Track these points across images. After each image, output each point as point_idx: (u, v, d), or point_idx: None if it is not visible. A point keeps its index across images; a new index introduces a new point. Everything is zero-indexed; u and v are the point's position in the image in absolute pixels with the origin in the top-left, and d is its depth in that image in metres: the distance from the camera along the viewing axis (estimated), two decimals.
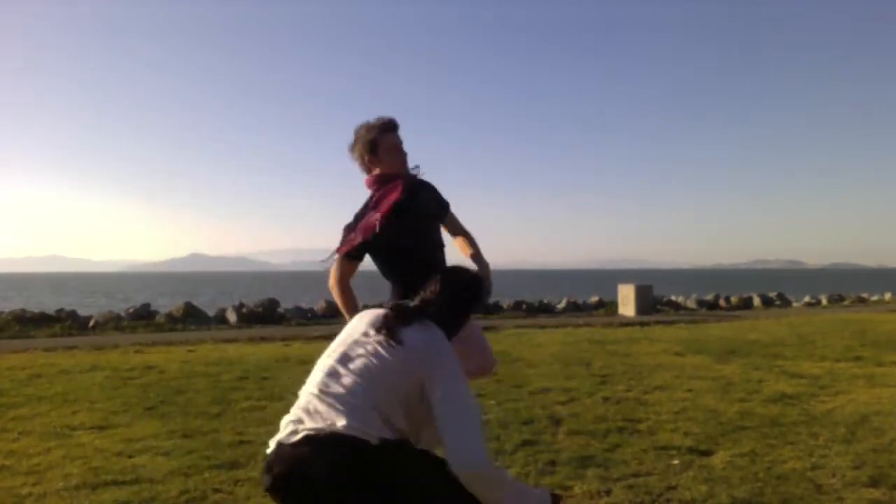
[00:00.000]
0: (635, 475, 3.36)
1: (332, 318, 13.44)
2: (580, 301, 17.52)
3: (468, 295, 2.05)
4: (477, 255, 2.75)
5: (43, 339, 10.16)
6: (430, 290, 2.01)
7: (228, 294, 45.79)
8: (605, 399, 5.26)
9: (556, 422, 4.50)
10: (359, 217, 2.61)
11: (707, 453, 3.74)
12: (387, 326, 1.81)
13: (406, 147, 2.67)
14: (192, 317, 13.18)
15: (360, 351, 1.78)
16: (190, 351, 8.49)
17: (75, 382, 6.14)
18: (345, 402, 1.67)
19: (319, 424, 1.65)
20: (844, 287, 35.27)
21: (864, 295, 22.04)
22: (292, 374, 6.42)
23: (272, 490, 1.65)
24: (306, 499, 1.61)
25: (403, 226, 2.51)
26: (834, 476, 3.32)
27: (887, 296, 21.78)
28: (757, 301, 18.78)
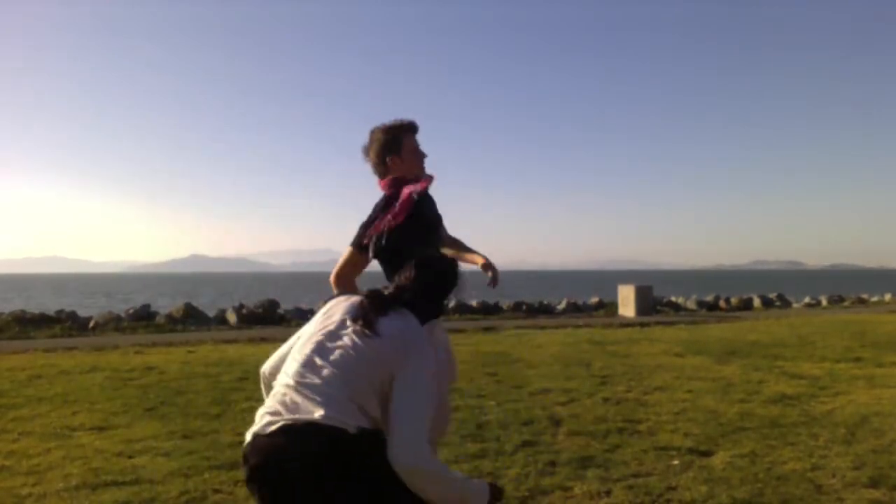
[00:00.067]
0: (635, 476, 3.36)
1: None
2: (580, 302, 17.52)
3: (443, 281, 2.03)
4: (488, 262, 2.80)
5: (43, 340, 10.16)
6: (405, 276, 1.98)
7: (228, 295, 45.81)
8: (605, 400, 5.26)
9: (557, 422, 4.50)
10: (374, 216, 2.56)
11: (707, 454, 3.74)
12: (363, 317, 1.78)
13: None
14: (192, 318, 13.18)
15: (337, 342, 1.76)
16: (190, 352, 8.49)
17: (75, 383, 6.14)
18: (322, 392, 1.66)
19: (296, 415, 1.63)
20: (844, 288, 35.27)
21: (864, 296, 22.04)
22: None
23: (249, 481, 1.64)
24: (283, 489, 1.59)
25: (412, 230, 2.52)
26: (834, 477, 3.32)
27: (887, 297, 21.78)
28: (757, 302, 18.79)
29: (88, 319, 12.60)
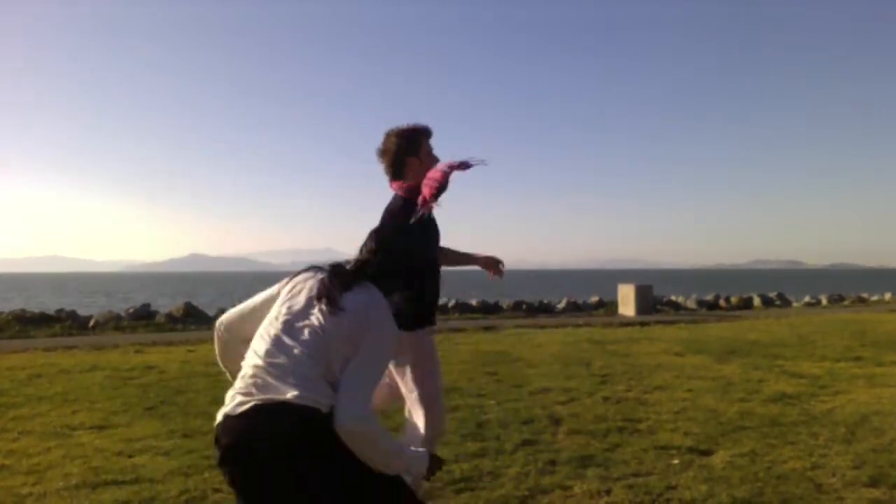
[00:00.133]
0: (635, 475, 3.36)
1: None
2: (580, 301, 17.52)
3: (405, 252, 2.01)
4: (487, 259, 2.88)
5: (43, 339, 10.16)
6: (366, 249, 1.97)
7: (228, 294, 45.79)
8: (605, 399, 5.27)
9: (556, 421, 4.50)
10: (385, 221, 2.57)
11: (707, 453, 3.74)
12: (327, 295, 1.78)
13: None
14: (192, 317, 13.18)
15: (305, 321, 1.75)
16: (190, 351, 8.49)
17: (75, 382, 6.14)
18: (292, 372, 1.66)
19: (267, 395, 1.63)
20: (844, 287, 35.27)
21: (864, 295, 22.04)
22: None
23: (221, 463, 1.64)
24: (253, 469, 1.59)
25: (424, 232, 2.57)
26: (834, 476, 3.32)
27: (887, 296, 21.78)
28: (757, 301, 18.79)
29: (88, 319, 12.60)
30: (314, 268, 1.94)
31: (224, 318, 2.02)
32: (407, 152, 2.61)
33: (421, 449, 1.87)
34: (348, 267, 1.91)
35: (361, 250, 1.98)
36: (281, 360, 1.68)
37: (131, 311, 13.26)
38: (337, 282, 1.82)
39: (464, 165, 2.45)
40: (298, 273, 1.94)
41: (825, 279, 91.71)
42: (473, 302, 15.89)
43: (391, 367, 2.73)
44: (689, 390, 5.58)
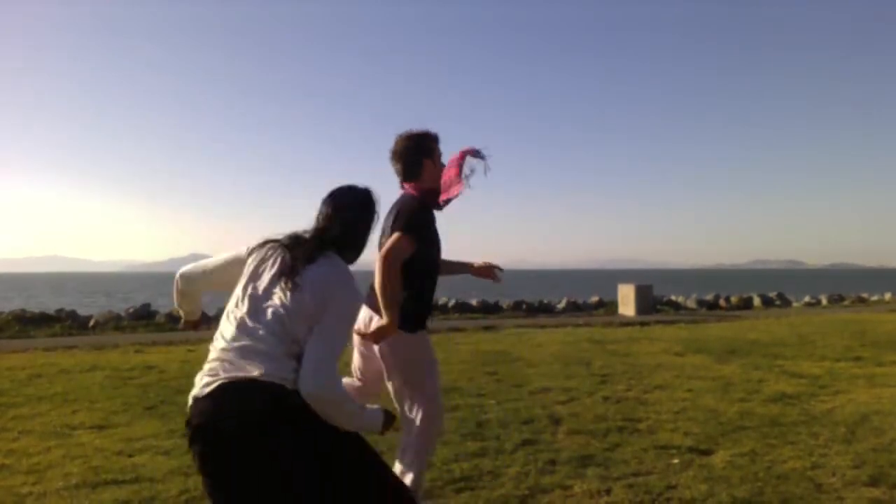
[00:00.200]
0: (635, 474, 3.36)
1: None
2: (580, 301, 17.52)
3: (363, 216, 1.96)
4: (479, 267, 2.95)
5: (43, 339, 10.16)
6: (323, 215, 1.93)
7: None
8: (605, 398, 5.26)
9: (556, 421, 4.50)
10: (391, 221, 2.62)
11: (707, 453, 3.74)
12: (288, 273, 1.76)
13: None
14: None
15: (268, 301, 1.75)
16: (190, 351, 8.49)
17: (75, 382, 6.14)
18: (258, 352, 1.67)
19: (234, 374, 1.65)
20: (844, 287, 35.27)
21: (864, 295, 22.03)
22: None
23: (191, 444, 1.66)
24: (220, 448, 1.60)
25: (431, 234, 2.63)
26: (834, 475, 3.32)
27: (887, 296, 21.78)
28: (757, 301, 18.78)
29: (88, 318, 12.60)
30: (272, 241, 1.89)
31: (185, 271, 2.06)
32: (425, 154, 2.70)
33: (376, 406, 1.89)
34: (307, 236, 1.87)
35: (318, 218, 1.94)
36: (245, 342, 1.70)
37: (131, 310, 13.26)
38: (300, 255, 1.79)
39: (476, 153, 2.59)
40: (261, 246, 1.89)
41: (825, 279, 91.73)
42: (473, 302, 15.89)
43: (357, 360, 2.78)
44: (689, 390, 5.58)
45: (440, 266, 2.82)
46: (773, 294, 20.09)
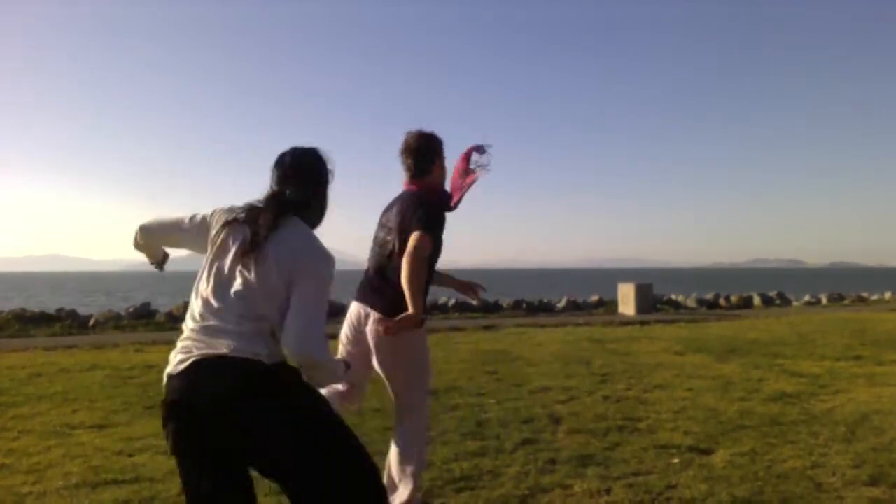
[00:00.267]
0: (635, 474, 3.36)
1: (331, 317, 13.43)
2: (580, 300, 17.51)
3: (318, 175, 1.92)
4: (466, 284, 3.04)
5: (43, 339, 10.16)
6: (277, 180, 1.88)
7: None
8: (605, 398, 5.27)
9: (556, 420, 4.50)
10: (403, 216, 2.66)
11: (707, 452, 3.74)
12: (252, 248, 1.74)
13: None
14: None
15: (233, 278, 1.74)
16: None
17: (75, 381, 6.14)
18: (228, 330, 1.68)
19: (206, 351, 1.66)
20: (844, 286, 35.26)
21: (864, 294, 22.03)
22: None
23: (165, 422, 1.66)
24: (193, 425, 1.61)
25: (440, 234, 2.65)
26: (834, 475, 3.32)
27: (887, 295, 21.77)
28: (757, 300, 18.78)
29: (88, 318, 12.60)
30: (233, 213, 1.84)
31: (146, 224, 2.05)
32: (436, 154, 2.75)
33: (337, 357, 1.93)
34: (263, 205, 1.83)
35: (271, 185, 1.89)
36: (212, 321, 1.71)
37: (131, 310, 13.26)
38: (261, 226, 1.76)
39: (479, 148, 2.66)
40: (225, 222, 1.83)
41: (825, 278, 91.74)
42: (473, 301, 15.88)
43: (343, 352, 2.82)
44: (689, 389, 5.58)
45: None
46: (773, 293, 20.08)
